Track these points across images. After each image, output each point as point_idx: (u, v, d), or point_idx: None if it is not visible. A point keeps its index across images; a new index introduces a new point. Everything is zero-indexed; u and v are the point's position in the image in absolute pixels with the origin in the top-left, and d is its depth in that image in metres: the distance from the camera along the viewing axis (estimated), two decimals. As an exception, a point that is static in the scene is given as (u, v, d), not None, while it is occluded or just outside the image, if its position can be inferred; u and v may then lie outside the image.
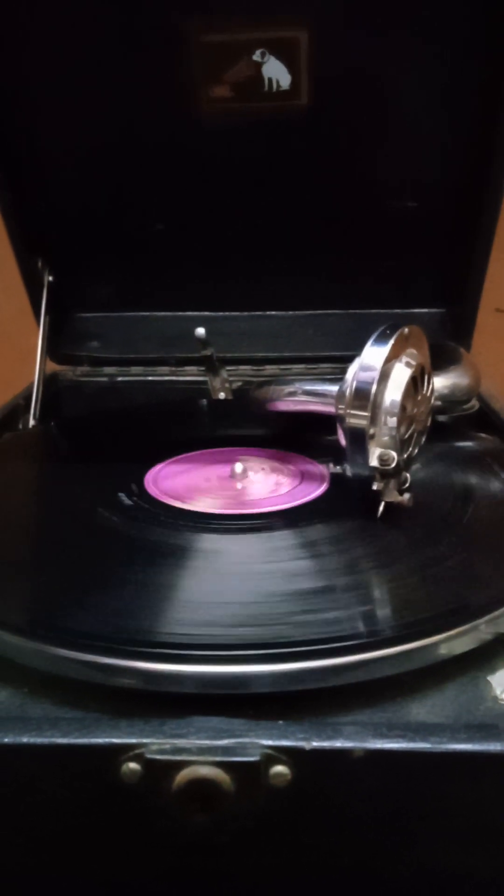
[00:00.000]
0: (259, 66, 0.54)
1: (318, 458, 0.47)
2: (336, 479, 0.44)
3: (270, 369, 0.64)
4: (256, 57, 0.53)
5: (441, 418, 0.53)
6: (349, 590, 0.33)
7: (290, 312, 0.65)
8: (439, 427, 0.50)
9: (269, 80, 0.54)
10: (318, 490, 0.43)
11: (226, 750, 0.26)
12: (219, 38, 0.53)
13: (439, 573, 0.34)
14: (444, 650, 0.29)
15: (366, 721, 0.27)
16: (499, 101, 0.52)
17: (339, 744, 0.26)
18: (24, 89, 0.55)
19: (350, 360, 0.38)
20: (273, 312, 0.65)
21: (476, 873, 0.28)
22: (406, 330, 0.38)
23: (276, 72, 0.54)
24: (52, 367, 0.65)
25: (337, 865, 0.29)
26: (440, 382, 0.49)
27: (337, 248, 0.61)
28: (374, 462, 0.36)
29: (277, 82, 0.54)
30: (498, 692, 0.29)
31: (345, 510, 0.39)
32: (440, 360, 0.50)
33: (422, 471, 0.44)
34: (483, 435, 0.52)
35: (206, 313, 0.65)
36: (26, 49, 0.54)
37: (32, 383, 0.59)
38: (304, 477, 0.45)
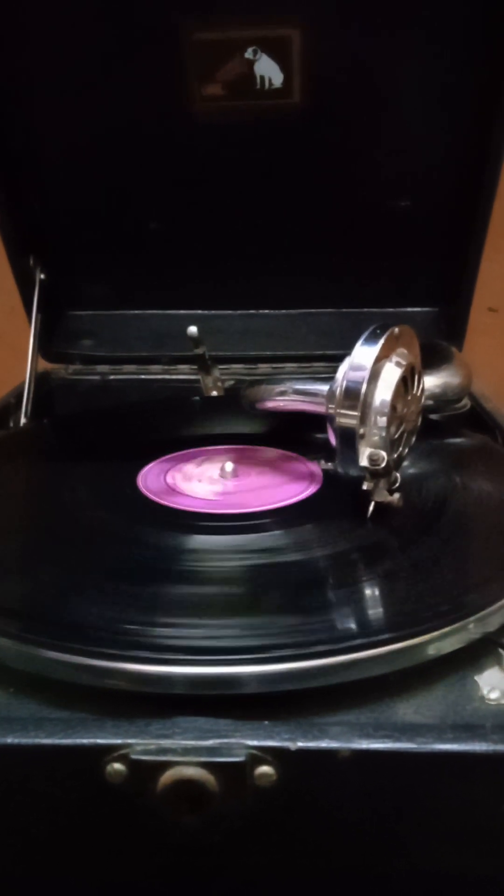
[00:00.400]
0: (251, 63, 0.53)
1: (311, 456, 0.47)
2: (328, 478, 0.44)
3: (263, 368, 0.64)
4: (248, 55, 0.53)
5: (433, 417, 0.53)
6: (338, 590, 0.33)
7: (284, 311, 0.65)
8: (431, 426, 0.50)
9: (262, 77, 0.54)
10: (310, 489, 0.43)
11: (211, 750, 0.26)
12: (212, 37, 0.53)
13: (428, 573, 0.34)
14: (432, 650, 0.29)
15: (352, 721, 0.27)
16: (494, 101, 0.52)
17: (324, 744, 0.26)
18: (18, 88, 0.55)
19: (343, 359, 0.38)
20: (266, 311, 0.65)
21: (463, 873, 0.28)
22: (396, 329, 0.38)
23: (268, 70, 0.54)
24: (45, 365, 0.65)
25: (325, 865, 0.29)
26: (432, 381, 0.49)
27: (331, 247, 0.61)
28: (363, 462, 0.36)
29: (270, 80, 0.54)
30: (485, 692, 0.29)
31: (336, 509, 0.39)
32: (432, 359, 0.50)
33: (413, 470, 0.44)
34: (474, 434, 0.52)
35: (199, 312, 0.65)
36: (21, 46, 0.54)
37: (24, 381, 0.59)
38: (295, 475, 0.45)
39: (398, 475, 0.38)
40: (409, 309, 0.64)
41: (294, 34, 0.52)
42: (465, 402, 0.55)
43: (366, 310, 0.64)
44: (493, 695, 0.29)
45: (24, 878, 0.30)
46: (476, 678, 0.30)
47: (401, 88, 0.54)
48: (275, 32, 0.52)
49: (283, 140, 0.57)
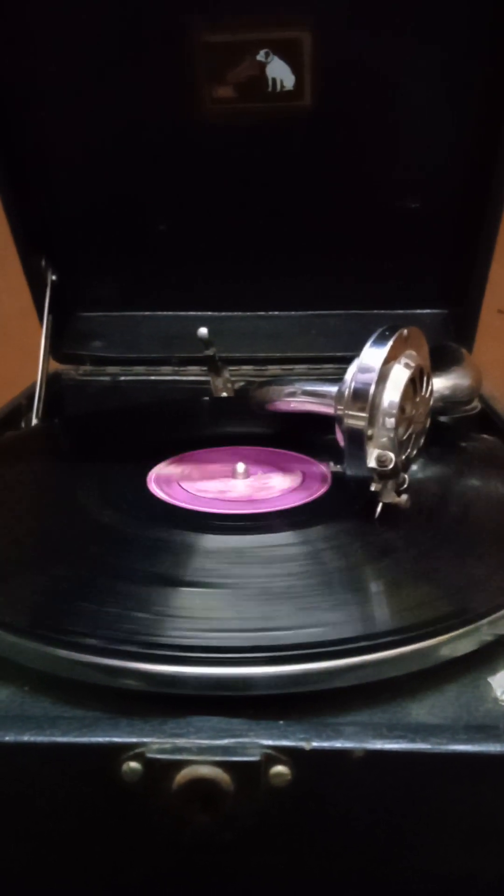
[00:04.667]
0: (263, 66, 0.54)
1: (321, 458, 0.47)
2: (338, 479, 0.44)
3: (273, 369, 0.64)
4: (260, 57, 0.53)
5: (443, 419, 0.53)
6: (349, 592, 0.33)
7: (293, 313, 0.65)
8: (441, 428, 0.50)
9: (273, 80, 0.54)
10: (320, 490, 0.43)
11: (226, 750, 0.26)
12: (223, 39, 0.53)
13: (440, 575, 0.34)
14: (445, 652, 0.29)
15: (366, 722, 0.27)
16: (502, 102, 0.52)
17: (339, 744, 0.26)
18: (28, 89, 0.56)
19: (352, 360, 0.38)
20: (276, 313, 0.66)
21: (475, 874, 0.28)
22: (405, 331, 0.38)
23: (279, 72, 0.54)
24: (55, 366, 0.65)
25: (338, 866, 0.29)
26: (441, 383, 0.49)
27: (340, 249, 0.61)
28: (371, 463, 0.36)
29: (281, 82, 0.54)
30: (498, 693, 0.29)
31: (346, 511, 0.39)
32: (441, 360, 0.50)
33: (422, 471, 0.44)
34: (484, 436, 0.52)
35: (209, 313, 0.65)
36: (31, 48, 0.54)
37: (35, 382, 0.59)
38: (306, 477, 0.45)
39: (406, 476, 0.38)
40: (419, 311, 0.64)
41: (305, 36, 0.52)
42: (475, 404, 0.55)
43: (375, 311, 0.64)
44: (506, 696, 0.29)
45: (38, 877, 0.30)
46: (489, 679, 0.30)
47: (410, 90, 0.55)
48: (286, 34, 0.52)
49: (294, 142, 0.57)
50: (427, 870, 0.28)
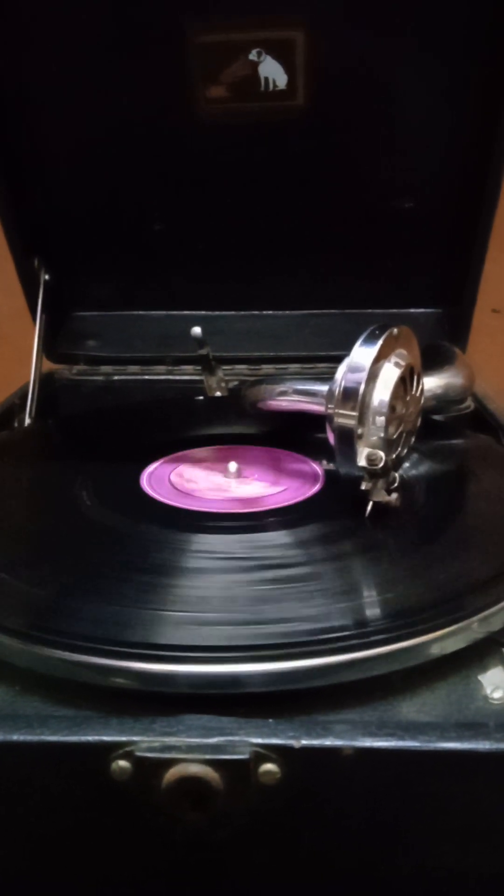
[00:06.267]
0: (255, 65, 0.54)
1: (314, 457, 0.47)
2: (331, 478, 0.44)
3: (266, 369, 0.64)
4: (253, 56, 0.53)
5: (436, 418, 0.53)
6: (340, 589, 0.33)
7: (287, 312, 0.65)
8: (434, 426, 0.50)
9: (266, 79, 0.54)
10: (313, 489, 0.43)
11: (215, 748, 0.26)
12: (215, 39, 0.53)
13: (431, 572, 0.34)
14: (435, 649, 0.29)
15: (356, 720, 0.27)
16: (497, 102, 0.52)
17: (328, 742, 0.26)
18: (22, 88, 0.56)
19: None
20: (270, 312, 0.66)
21: (467, 871, 0.29)
22: (395, 330, 0.38)
23: (272, 71, 0.54)
24: (49, 366, 0.65)
25: (329, 863, 0.29)
26: (434, 382, 0.49)
27: (334, 248, 0.61)
28: (362, 462, 0.36)
29: (274, 82, 0.54)
30: (489, 691, 0.29)
31: (338, 509, 0.39)
32: (434, 360, 0.50)
33: (414, 470, 0.44)
34: (477, 434, 0.52)
35: (203, 312, 0.65)
36: (25, 48, 0.54)
37: (29, 382, 0.59)
38: (299, 476, 0.45)
39: (397, 475, 0.38)
40: (413, 310, 0.64)
41: (298, 36, 0.52)
42: (469, 403, 0.55)
43: (369, 311, 0.64)
44: (497, 694, 0.29)
45: (29, 876, 0.30)
46: (479, 678, 0.30)
47: (404, 89, 0.55)
48: (279, 34, 0.52)
49: (287, 142, 0.57)
50: (418, 867, 0.29)
